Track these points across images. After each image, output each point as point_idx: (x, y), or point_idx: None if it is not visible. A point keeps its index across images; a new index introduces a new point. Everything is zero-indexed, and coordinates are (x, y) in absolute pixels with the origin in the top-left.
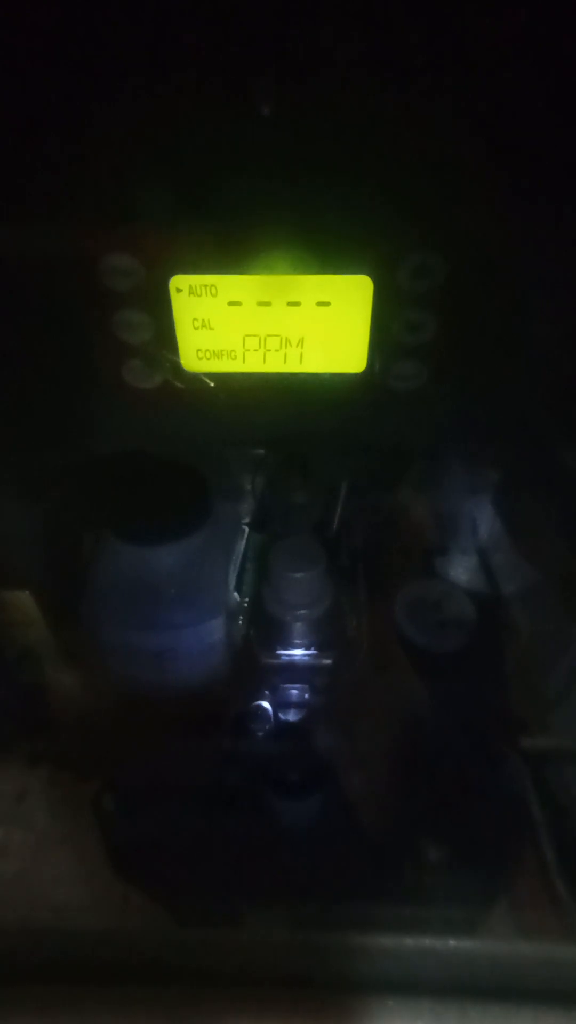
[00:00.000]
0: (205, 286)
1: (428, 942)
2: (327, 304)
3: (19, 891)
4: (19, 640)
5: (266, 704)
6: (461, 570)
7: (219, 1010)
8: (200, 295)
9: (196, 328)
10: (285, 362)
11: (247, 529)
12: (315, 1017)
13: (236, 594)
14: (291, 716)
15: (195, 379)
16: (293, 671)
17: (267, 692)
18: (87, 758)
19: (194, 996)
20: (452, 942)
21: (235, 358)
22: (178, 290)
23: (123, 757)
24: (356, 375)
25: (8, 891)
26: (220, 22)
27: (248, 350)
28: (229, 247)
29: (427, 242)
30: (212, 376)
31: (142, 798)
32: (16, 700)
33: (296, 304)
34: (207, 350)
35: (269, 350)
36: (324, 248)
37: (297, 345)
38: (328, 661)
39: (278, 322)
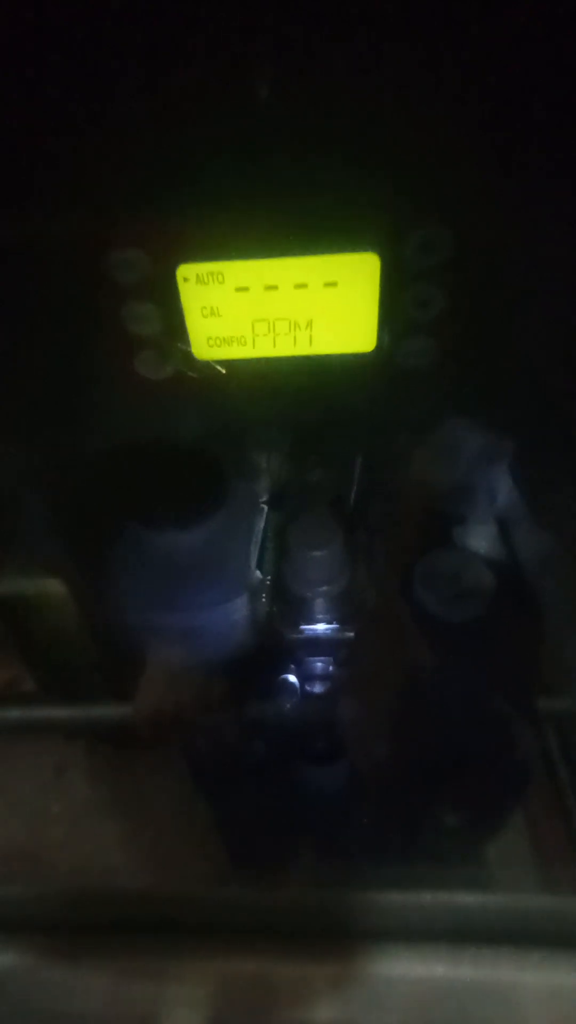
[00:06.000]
0: (212, 273)
1: (445, 896)
2: (334, 284)
3: (65, 856)
4: (49, 623)
5: (292, 677)
6: (479, 539)
7: (257, 956)
8: (207, 283)
9: (205, 316)
10: (295, 345)
11: (266, 508)
12: (342, 962)
13: (258, 572)
14: (316, 688)
15: (207, 367)
16: (317, 645)
17: (293, 666)
18: (121, 732)
19: (232, 946)
20: (471, 897)
21: (245, 344)
22: (185, 279)
23: (158, 732)
24: (366, 354)
25: (55, 856)
26: (219, 4)
27: (258, 335)
28: (234, 231)
29: (432, 216)
30: (223, 363)
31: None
32: (52, 681)
33: (303, 286)
34: (217, 337)
35: (278, 334)
36: (329, 226)
37: (306, 327)
38: (351, 634)
39: (286, 305)
